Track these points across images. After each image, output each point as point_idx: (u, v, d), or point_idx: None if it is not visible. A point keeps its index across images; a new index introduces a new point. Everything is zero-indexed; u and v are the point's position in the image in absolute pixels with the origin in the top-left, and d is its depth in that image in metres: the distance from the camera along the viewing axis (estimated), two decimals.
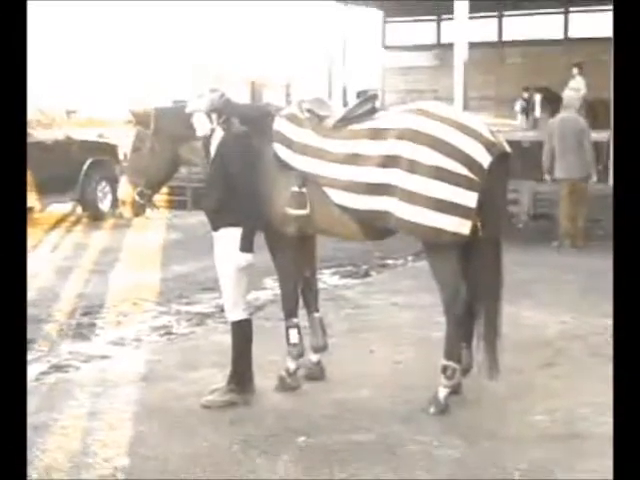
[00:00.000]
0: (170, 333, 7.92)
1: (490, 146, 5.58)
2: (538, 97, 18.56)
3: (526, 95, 20.64)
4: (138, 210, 6.43)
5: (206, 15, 18.99)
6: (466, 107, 16.58)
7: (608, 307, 8.34)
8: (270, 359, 6.53)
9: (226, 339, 6.13)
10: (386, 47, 29.06)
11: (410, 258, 11.20)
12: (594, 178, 12.44)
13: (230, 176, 5.79)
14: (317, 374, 6.46)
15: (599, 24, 22.86)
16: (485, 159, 5.54)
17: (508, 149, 5.73)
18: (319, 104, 6.13)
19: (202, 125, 5.90)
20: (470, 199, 5.52)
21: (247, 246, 5.76)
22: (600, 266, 10.75)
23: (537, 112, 18.57)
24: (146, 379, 6.52)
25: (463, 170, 5.49)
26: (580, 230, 12.47)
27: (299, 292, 6.42)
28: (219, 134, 5.90)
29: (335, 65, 19.21)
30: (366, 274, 10.68)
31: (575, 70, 17.52)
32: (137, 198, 6.31)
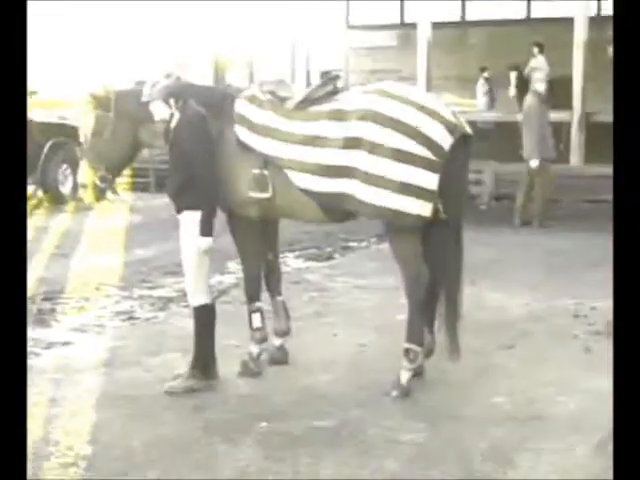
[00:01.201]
0: (133, 318, 7.87)
1: (451, 127, 5.59)
2: (513, 75, 18.32)
3: (487, 75, 20.55)
4: (99, 194, 6.37)
5: None
6: (429, 87, 16.61)
7: (569, 287, 8.54)
8: (233, 343, 6.52)
9: (190, 324, 6.11)
10: (350, 27, 28.97)
11: (373, 240, 11.20)
12: (544, 160, 12.48)
13: (189, 159, 5.76)
14: (280, 358, 6.45)
15: (561, 4, 22.96)
16: (446, 140, 5.55)
17: (469, 130, 5.74)
18: (280, 85, 6.09)
19: (160, 111, 5.85)
20: (431, 181, 5.53)
21: (207, 230, 5.74)
22: (561, 246, 10.88)
23: (512, 92, 18.32)
24: (108, 365, 6.48)
25: (424, 152, 5.50)
26: (539, 210, 12.57)
27: (262, 276, 6.40)
28: (177, 117, 5.85)
29: (298, 46, 19.11)
30: (330, 257, 10.68)
31: (536, 49, 17.56)
32: (98, 182, 6.25)
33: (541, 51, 17.79)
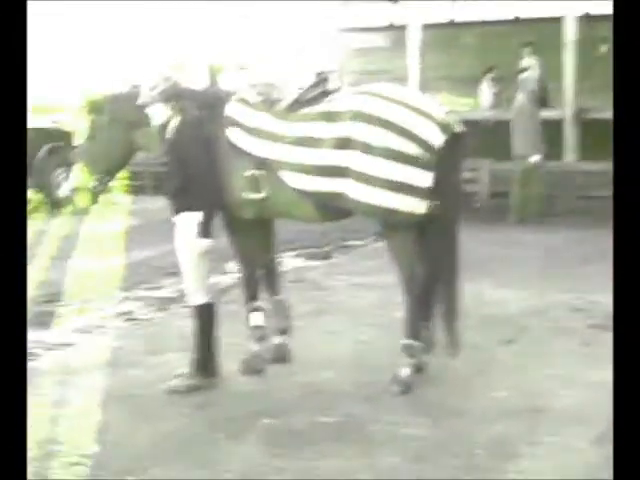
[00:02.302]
0: (133, 319, 7.89)
1: (443, 126, 5.63)
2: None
3: (494, 75, 20.37)
4: (94, 198, 6.38)
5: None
6: (421, 87, 16.65)
7: (565, 283, 8.58)
8: (234, 342, 6.54)
9: (190, 323, 6.13)
10: (342, 28, 29.03)
11: (371, 239, 11.22)
12: (537, 157, 12.55)
13: (186, 162, 5.80)
14: (281, 356, 6.48)
15: (549, 4, 23.04)
16: (438, 139, 5.59)
17: (461, 128, 5.77)
18: (272, 87, 6.13)
19: (159, 114, 5.89)
20: (425, 179, 5.58)
21: (204, 232, 5.77)
22: (557, 242, 10.93)
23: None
24: (110, 365, 6.50)
25: (416, 150, 5.55)
26: (532, 207, 12.65)
27: (260, 275, 6.43)
28: (174, 120, 5.89)
29: (291, 48, 19.13)
30: (328, 256, 10.71)
31: (525, 50, 17.62)
32: (93, 186, 6.27)
33: (532, 51, 17.82)
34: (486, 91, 18.95)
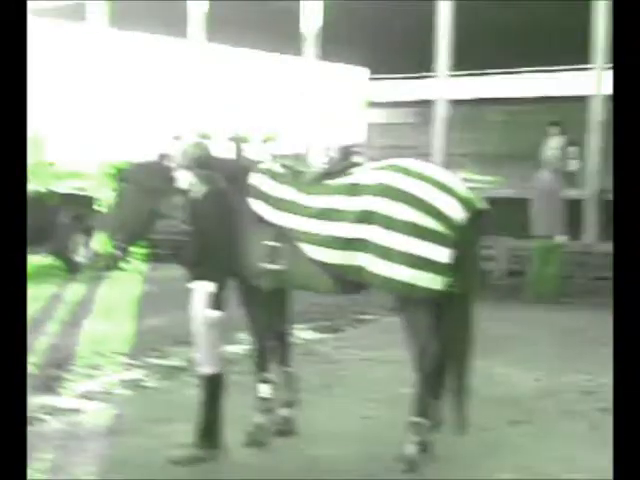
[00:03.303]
0: (141, 386, 7.86)
1: (464, 202, 5.64)
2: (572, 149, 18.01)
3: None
4: (113, 263, 6.42)
5: (192, 72, 19.15)
6: (446, 163, 16.73)
7: (579, 364, 8.48)
8: (241, 414, 6.49)
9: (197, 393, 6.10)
10: (370, 104, 29.37)
11: (385, 313, 11.18)
12: (561, 238, 12.53)
13: (206, 231, 5.84)
14: (287, 429, 6.42)
15: (578, 82, 23.23)
16: (459, 215, 5.59)
17: (483, 206, 5.78)
18: (297, 159, 6.22)
19: (186, 179, 5.95)
20: (444, 255, 5.56)
21: (215, 303, 5.78)
22: (572, 323, 10.84)
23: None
24: (115, 433, 6.46)
25: (437, 226, 5.55)
26: (550, 287, 12.58)
27: (271, 346, 6.41)
28: (200, 188, 5.94)
29: (318, 122, 19.36)
30: (340, 329, 10.66)
31: (553, 129, 17.68)
32: (113, 252, 6.31)
33: (558, 131, 17.84)
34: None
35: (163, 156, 6.33)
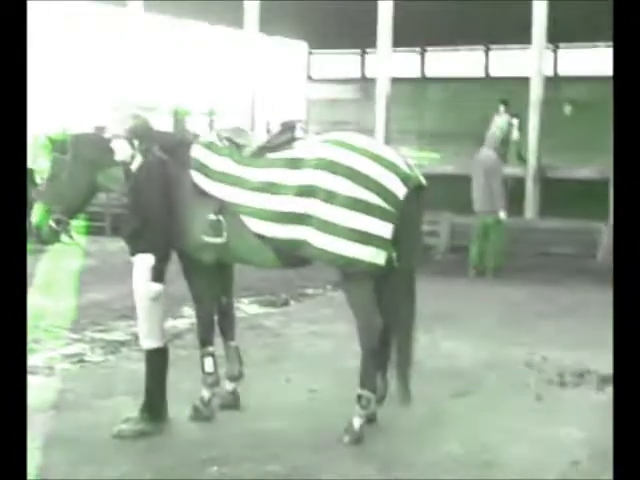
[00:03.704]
0: (83, 361, 7.77)
1: (406, 178, 5.66)
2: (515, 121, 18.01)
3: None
4: (53, 237, 6.32)
5: (131, 43, 18.90)
6: (388, 139, 16.81)
7: (522, 337, 8.59)
8: (185, 387, 6.45)
9: (141, 367, 6.04)
10: (310, 79, 29.32)
11: (329, 287, 11.21)
12: (502, 214, 12.66)
13: (145, 203, 5.77)
14: (232, 403, 6.40)
15: (518, 62, 23.47)
16: (400, 190, 5.61)
17: (424, 181, 5.81)
18: (238, 132, 6.14)
19: (122, 150, 5.86)
20: (385, 230, 5.59)
21: (157, 276, 5.73)
22: (514, 297, 10.99)
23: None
24: (57, 408, 6.38)
25: (379, 201, 5.56)
26: (492, 262, 12.72)
27: (215, 320, 6.38)
28: (138, 160, 5.87)
29: (259, 96, 19.27)
30: (285, 303, 10.66)
31: (502, 107, 17.81)
32: (53, 225, 6.21)
33: (506, 109, 17.98)
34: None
35: (100, 127, 6.23)
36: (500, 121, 16.10)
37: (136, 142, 5.86)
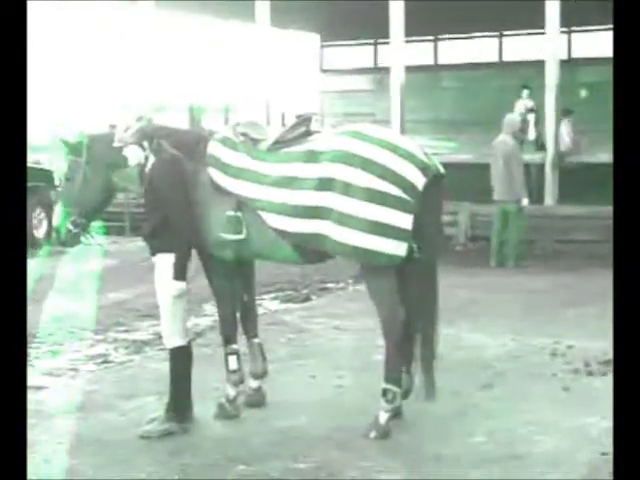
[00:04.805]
0: (107, 362, 7.78)
1: (424, 167, 5.61)
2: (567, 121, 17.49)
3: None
4: (73, 239, 6.32)
5: (145, 41, 18.91)
6: (403, 130, 16.74)
7: (546, 327, 8.54)
8: (210, 386, 6.45)
9: (165, 367, 6.04)
10: (323, 71, 29.24)
11: (351, 281, 11.18)
12: (524, 202, 12.56)
13: (163, 202, 5.75)
14: (257, 401, 6.39)
15: (532, 47, 23.29)
16: (419, 181, 5.56)
17: (442, 170, 5.76)
18: (253, 127, 6.11)
19: (135, 155, 5.86)
20: (405, 221, 5.54)
21: (179, 274, 5.70)
22: (536, 286, 10.91)
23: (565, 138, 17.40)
24: (82, 409, 6.38)
25: (397, 192, 5.51)
26: (513, 251, 12.60)
27: (237, 318, 6.36)
28: (152, 160, 5.85)
29: (273, 90, 19.24)
30: (307, 298, 10.64)
31: (525, 91, 17.69)
32: (71, 227, 6.21)
33: (529, 94, 17.85)
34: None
35: (115, 126, 6.22)
36: (521, 105, 16.06)
37: (146, 143, 5.84)
